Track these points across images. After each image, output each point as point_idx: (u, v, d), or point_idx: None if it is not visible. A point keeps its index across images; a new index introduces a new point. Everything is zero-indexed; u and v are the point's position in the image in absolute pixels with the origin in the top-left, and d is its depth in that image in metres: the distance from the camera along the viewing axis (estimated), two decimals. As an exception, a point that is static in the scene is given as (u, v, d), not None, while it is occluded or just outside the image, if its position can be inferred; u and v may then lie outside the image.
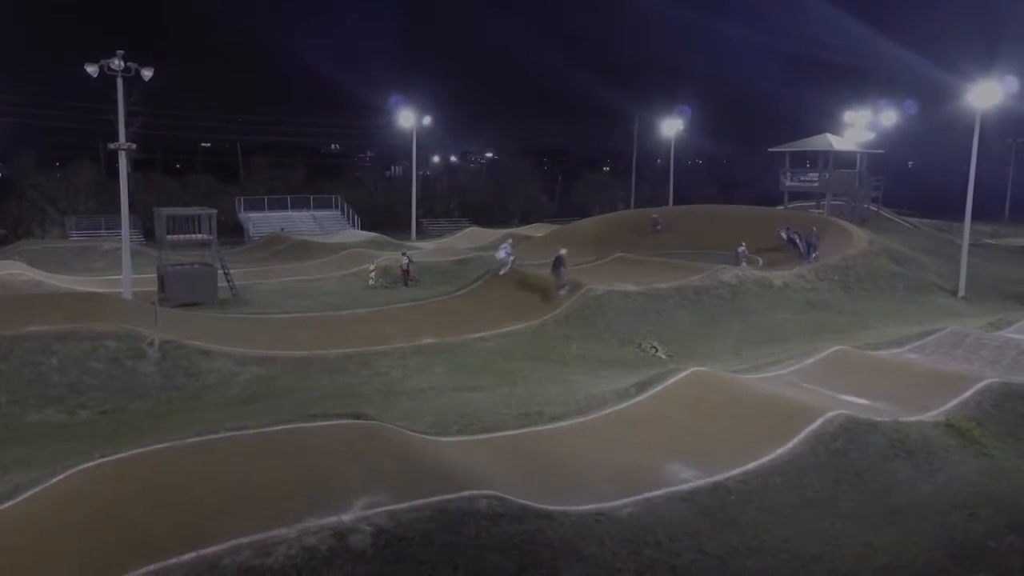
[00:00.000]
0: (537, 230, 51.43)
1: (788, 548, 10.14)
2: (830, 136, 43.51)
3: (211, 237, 26.82)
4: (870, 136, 51.65)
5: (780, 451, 12.46)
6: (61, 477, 10.51)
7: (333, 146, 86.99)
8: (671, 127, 58.22)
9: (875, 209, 45.63)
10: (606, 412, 14.97)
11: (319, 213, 53.62)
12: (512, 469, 11.83)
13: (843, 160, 43.05)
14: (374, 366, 19.61)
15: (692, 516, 10.71)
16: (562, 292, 24.03)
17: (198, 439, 11.45)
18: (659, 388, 15.67)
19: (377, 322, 24.04)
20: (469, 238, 49.40)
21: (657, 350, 21.42)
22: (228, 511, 9.20)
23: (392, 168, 78.38)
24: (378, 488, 9.83)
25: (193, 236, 26.62)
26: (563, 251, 25.30)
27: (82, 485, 10.19)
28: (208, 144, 69.52)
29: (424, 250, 39.93)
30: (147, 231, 48.51)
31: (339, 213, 54.89)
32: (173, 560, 8.11)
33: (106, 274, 33.11)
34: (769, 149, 44.16)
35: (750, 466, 12.07)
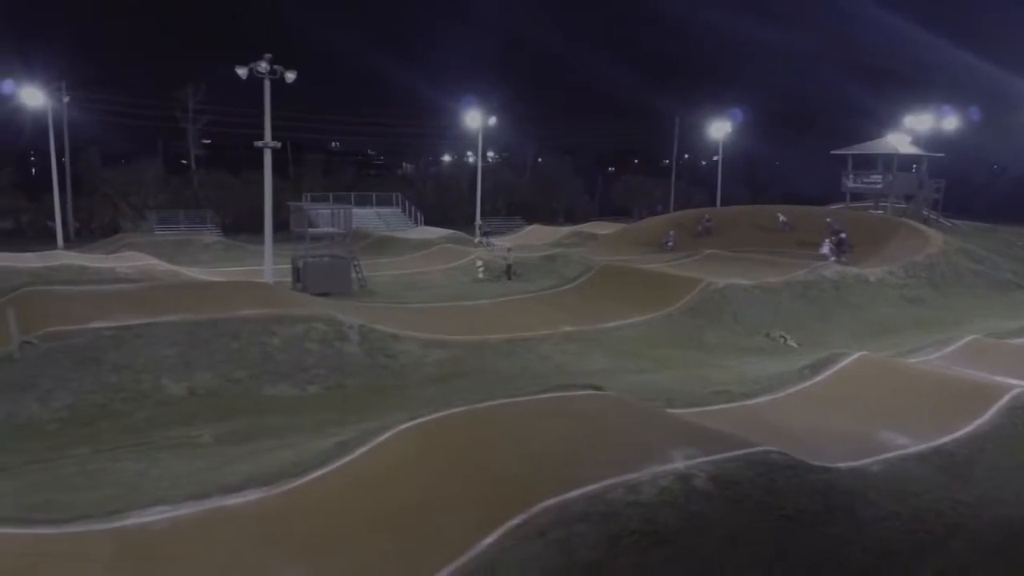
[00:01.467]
0: (596, 228, 53.04)
1: (1028, 500, 11.79)
2: (893, 139, 45.17)
3: (345, 231, 28.41)
4: (918, 139, 53.30)
5: (978, 423, 14.11)
6: (391, 434, 12.12)
7: (372, 148, 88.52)
8: (719, 129, 59.88)
9: (926, 213, 47.24)
10: (792, 391, 16.59)
11: (382, 210, 55.18)
12: (752, 434, 13.44)
13: (904, 163, 44.76)
14: (536, 350, 21.27)
15: (931, 473, 12.36)
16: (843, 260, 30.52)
17: (484, 405, 13.04)
18: (833, 370, 17.30)
19: (509, 312, 25.67)
20: (535, 235, 51.00)
21: (786, 339, 23.07)
22: (570, 461, 10.80)
23: (432, 164, 79.84)
24: (679, 445, 11.43)
25: (327, 230, 28.21)
26: (843, 234, 32.49)
27: (420, 440, 11.79)
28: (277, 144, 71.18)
29: (505, 247, 41.49)
30: (225, 227, 50.13)
31: (400, 210, 56.47)
32: (553, 499, 9.68)
33: (218, 266, 34.68)
34: (832, 151, 45.78)
35: (956, 435, 13.73)
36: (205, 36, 62.62)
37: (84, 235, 51.64)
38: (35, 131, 51.53)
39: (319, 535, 10.08)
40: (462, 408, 12.97)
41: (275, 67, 26.81)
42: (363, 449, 12.00)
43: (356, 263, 28.67)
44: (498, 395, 14.42)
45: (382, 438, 12.12)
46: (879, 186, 43.08)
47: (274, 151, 27.20)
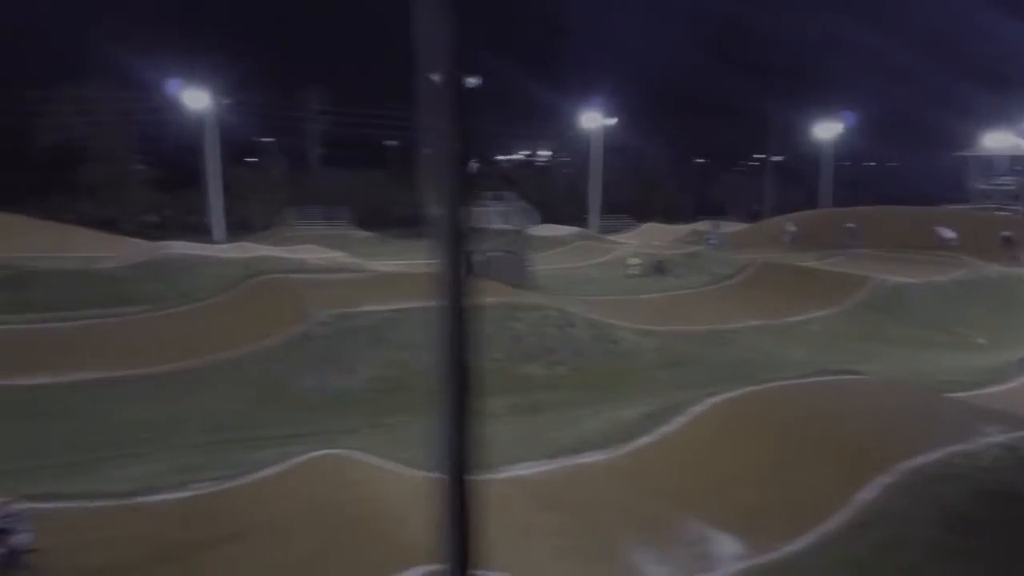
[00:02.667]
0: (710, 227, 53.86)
1: None
2: (1019, 139, 45.21)
3: (522, 227, 30.13)
4: None
5: None
6: (705, 406, 13.62)
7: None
8: (828, 131, 60.14)
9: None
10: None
11: (487, 209, 56.77)
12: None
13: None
14: (736, 341, 22.58)
15: None
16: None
17: (783, 384, 14.46)
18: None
19: (689, 306, 27.01)
20: (653, 233, 52.12)
21: (972, 336, 23.92)
22: (903, 431, 12.10)
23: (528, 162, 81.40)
24: (986, 422, 12.61)
25: (505, 226, 29.95)
26: (1010, 233, 32.99)
27: (739, 411, 13.27)
28: (395, 142, 73.85)
29: (635, 244, 42.76)
30: (362, 222, 52.41)
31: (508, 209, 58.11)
32: (909, 463, 11.00)
33: (381, 258, 36.70)
34: (954, 153, 45.96)
35: None
36: (327, 38, 64.88)
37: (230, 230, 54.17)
38: (176, 130, 54.76)
39: (687, 488, 11.60)
40: (771, 385, 14.38)
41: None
42: (681, 419, 13.52)
43: (528, 257, 30.35)
44: (740, 381, 15.78)
45: (698, 408, 13.63)
46: (1010, 187, 43.17)
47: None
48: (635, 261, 34.34)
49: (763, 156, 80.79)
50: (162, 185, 58.45)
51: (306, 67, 61.17)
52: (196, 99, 44.57)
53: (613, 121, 55.42)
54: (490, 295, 21.18)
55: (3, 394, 15.59)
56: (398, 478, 10.74)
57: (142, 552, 9.15)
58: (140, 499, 10.07)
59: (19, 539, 8.91)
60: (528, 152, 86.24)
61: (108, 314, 21.97)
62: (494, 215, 30.94)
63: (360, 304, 19.20)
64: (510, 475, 11.86)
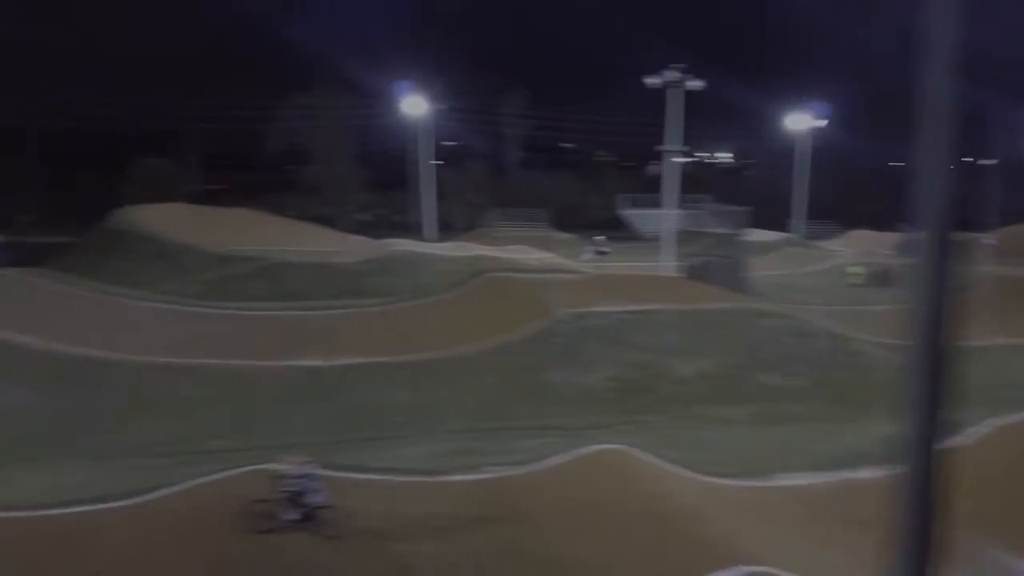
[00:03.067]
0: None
1: None
2: None
3: (736, 231, 29.50)
4: None
5: None
6: (997, 426, 12.71)
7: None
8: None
9: None
10: None
11: (694, 212, 55.87)
12: None
13: None
14: (988, 360, 20.77)
15: None
16: None
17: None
18: None
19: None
20: (866, 241, 49.07)
21: None
22: None
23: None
24: None
25: (718, 230, 29.44)
26: None
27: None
28: (569, 145, 75.04)
29: (850, 252, 40.48)
30: (559, 224, 53.39)
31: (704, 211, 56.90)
32: None
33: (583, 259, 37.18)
34: None
35: None
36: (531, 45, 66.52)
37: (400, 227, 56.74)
38: (387, 133, 58.25)
39: (985, 512, 10.82)
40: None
41: (684, 75, 28.38)
42: (960, 439, 12.64)
43: (742, 262, 29.62)
44: (1009, 404, 14.48)
45: (982, 430, 12.75)
46: None
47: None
48: (857, 270, 32.56)
49: (972, 159, 73.57)
50: (373, 186, 62.46)
51: (506, 72, 63.15)
52: (414, 105, 47.16)
53: (823, 123, 52.65)
54: (721, 300, 20.92)
55: (287, 373, 17.31)
56: (678, 478, 10.85)
57: (441, 523, 9.89)
58: (440, 478, 10.83)
59: (314, 498, 9.94)
60: (707, 154, 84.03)
61: (354, 304, 23.79)
62: (705, 218, 30.43)
63: (591, 305, 19.54)
64: (777, 484, 11.66)
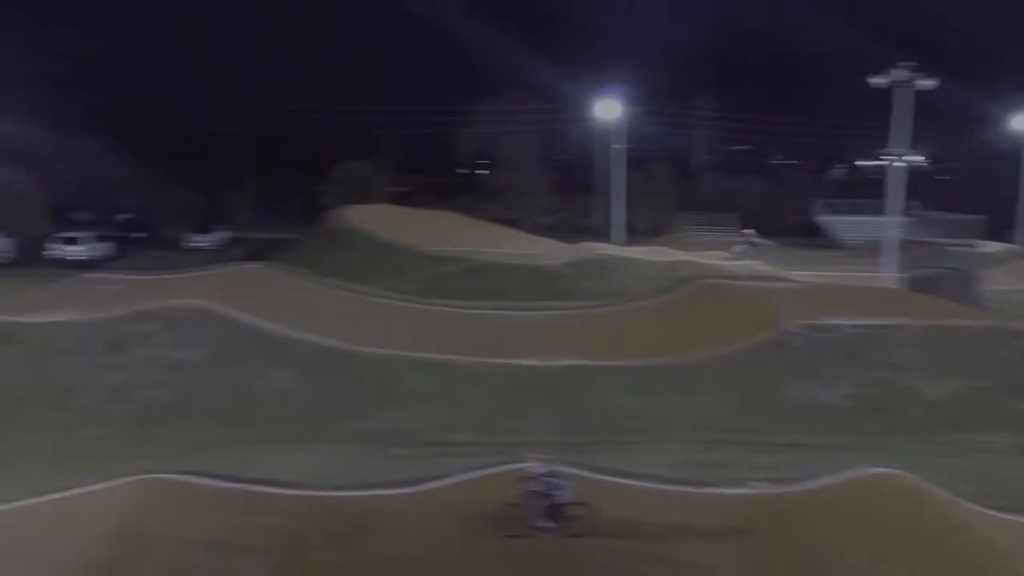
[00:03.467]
0: None
1: None
2: None
3: (971, 243, 27.14)
4: None
5: None
6: None
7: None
8: None
9: None
10: None
11: (900, 219, 51.94)
12: None
13: None
14: None
15: None
16: None
17: None
18: None
19: None
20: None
21: None
22: None
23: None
24: None
25: (949, 240, 27.23)
26: None
27: None
28: (755, 148, 72.39)
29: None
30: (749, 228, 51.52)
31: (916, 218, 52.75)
32: None
33: (786, 268, 35.44)
34: None
35: None
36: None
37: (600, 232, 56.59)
38: (573, 137, 58.70)
39: None
40: None
41: (915, 74, 26.43)
42: None
43: (976, 276, 27.11)
44: None
45: None
46: None
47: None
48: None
49: None
50: (556, 189, 63.03)
51: (696, 74, 61.70)
52: (608, 109, 47.20)
53: None
54: (962, 316, 19.33)
55: (509, 371, 17.73)
56: (967, 509, 10.01)
57: (717, 534, 9.66)
58: (704, 489, 10.64)
59: (561, 495, 10.00)
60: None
61: (562, 306, 24.02)
62: (932, 227, 28.18)
63: (820, 316, 18.60)
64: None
